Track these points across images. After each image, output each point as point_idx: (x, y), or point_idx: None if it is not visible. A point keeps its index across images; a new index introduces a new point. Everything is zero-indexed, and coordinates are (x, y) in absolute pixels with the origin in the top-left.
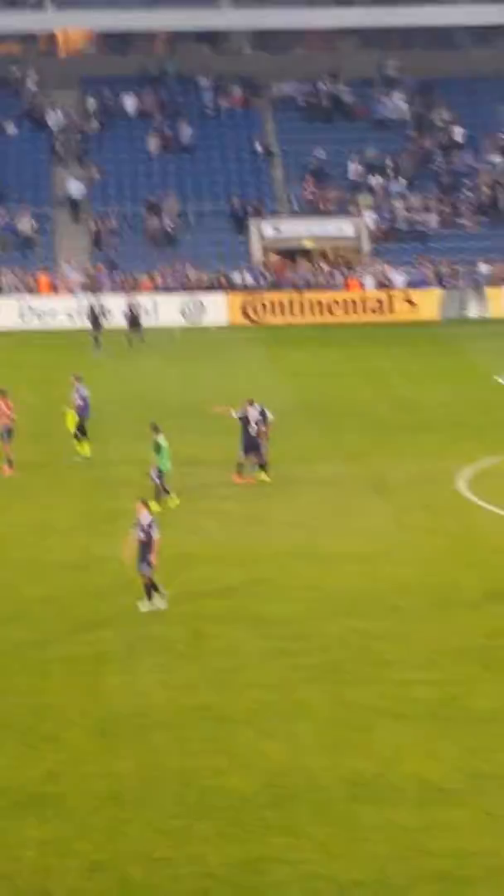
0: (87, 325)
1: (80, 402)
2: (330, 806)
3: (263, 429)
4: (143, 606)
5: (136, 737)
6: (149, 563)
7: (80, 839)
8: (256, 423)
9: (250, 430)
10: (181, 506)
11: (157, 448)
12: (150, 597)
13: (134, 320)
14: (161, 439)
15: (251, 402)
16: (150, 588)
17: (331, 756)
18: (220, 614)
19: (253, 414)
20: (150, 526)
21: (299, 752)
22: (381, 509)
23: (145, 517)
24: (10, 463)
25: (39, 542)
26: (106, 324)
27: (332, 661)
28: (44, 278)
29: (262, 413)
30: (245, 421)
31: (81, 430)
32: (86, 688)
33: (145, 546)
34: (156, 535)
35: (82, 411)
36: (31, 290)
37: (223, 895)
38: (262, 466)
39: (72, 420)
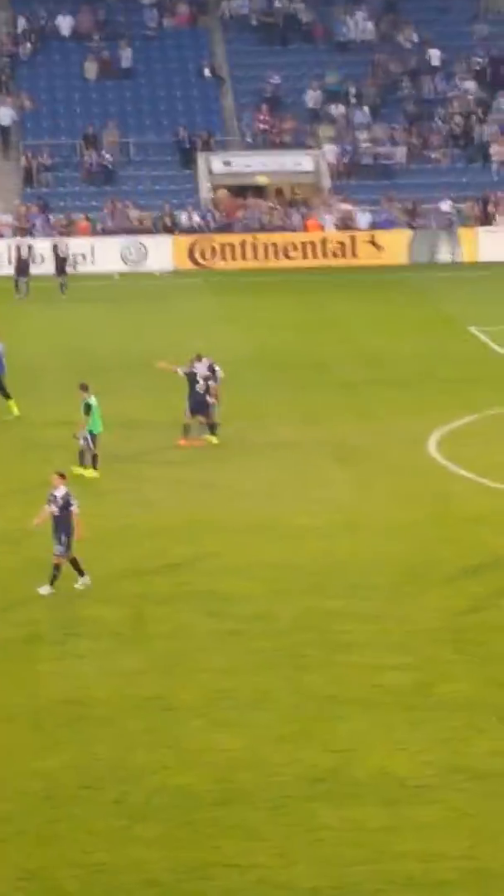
0: (11, 270)
1: None
2: (287, 805)
3: (213, 386)
4: (44, 590)
5: (72, 729)
6: (62, 542)
7: (8, 845)
8: (205, 380)
9: (197, 387)
10: (122, 472)
11: (87, 409)
12: (80, 574)
13: (61, 264)
14: (91, 399)
15: (199, 357)
16: (74, 567)
17: (289, 749)
18: (166, 593)
19: (201, 370)
20: (66, 500)
21: (254, 745)
22: (346, 476)
23: (60, 490)
24: None
25: None
26: (34, 269)
27: (290, 645)
28: None
29: (212, 369)
30: (192, 378)
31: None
32: (16, 675)
33: (60, 523)
34: (75, 508)
35: None
36: None
37: None
38: (212, 428)
39: None
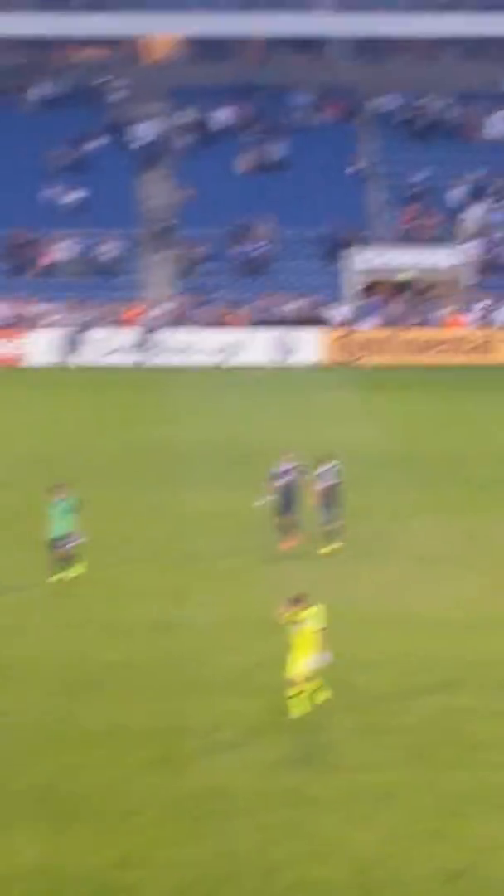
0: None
1: None
2: None
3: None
4: None
5: (214, 820)
6: None
7: None
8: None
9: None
10: (266, 565)
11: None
12: None
13: None
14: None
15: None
16: None
17: (423, 846)
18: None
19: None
20: None
21: (389, 840)
22: (481, 571)
23: None
24: None
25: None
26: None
27: (424, 743)
28: (132, 310)
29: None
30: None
31: None
32: (163, 765)
33: None
34: None
35: None
36: (118, 322)
37: None
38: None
39: None
